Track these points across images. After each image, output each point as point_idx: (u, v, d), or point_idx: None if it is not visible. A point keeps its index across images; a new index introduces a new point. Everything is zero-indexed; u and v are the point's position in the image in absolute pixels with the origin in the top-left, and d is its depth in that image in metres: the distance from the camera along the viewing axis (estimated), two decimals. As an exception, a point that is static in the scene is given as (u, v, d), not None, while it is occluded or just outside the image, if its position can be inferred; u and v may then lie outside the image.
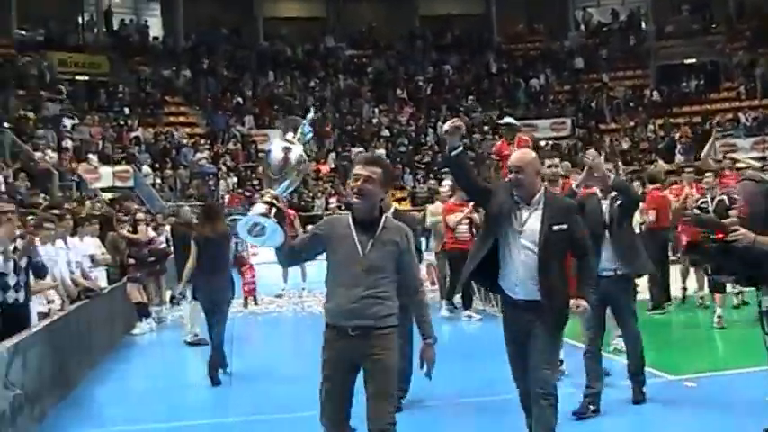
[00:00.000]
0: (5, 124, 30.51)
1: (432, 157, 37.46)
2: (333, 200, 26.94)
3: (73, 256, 12.46)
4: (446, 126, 6.45)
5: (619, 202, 8.44)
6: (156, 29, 44.37)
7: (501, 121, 15.60)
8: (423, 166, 37.02)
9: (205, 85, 40.21)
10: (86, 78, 38.08)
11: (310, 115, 5.95)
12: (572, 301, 6.26)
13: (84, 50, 39.60)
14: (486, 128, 38.47)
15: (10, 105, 32.29)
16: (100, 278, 13.86)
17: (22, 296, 9.59)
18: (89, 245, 13.61)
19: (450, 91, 42.59)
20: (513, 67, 44.29)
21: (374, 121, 40.16)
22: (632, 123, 39.58)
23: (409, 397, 8.77)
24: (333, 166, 36.56)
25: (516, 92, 42.27)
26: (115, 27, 43.01)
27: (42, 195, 24.27)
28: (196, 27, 43.49)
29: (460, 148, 6.46)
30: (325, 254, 5.72)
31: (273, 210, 5.35)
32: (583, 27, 46.67)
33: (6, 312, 9.15)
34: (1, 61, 35.72)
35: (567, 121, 40.14)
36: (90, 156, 31.85)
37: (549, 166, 8.61)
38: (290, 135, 5.61)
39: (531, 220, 6.25)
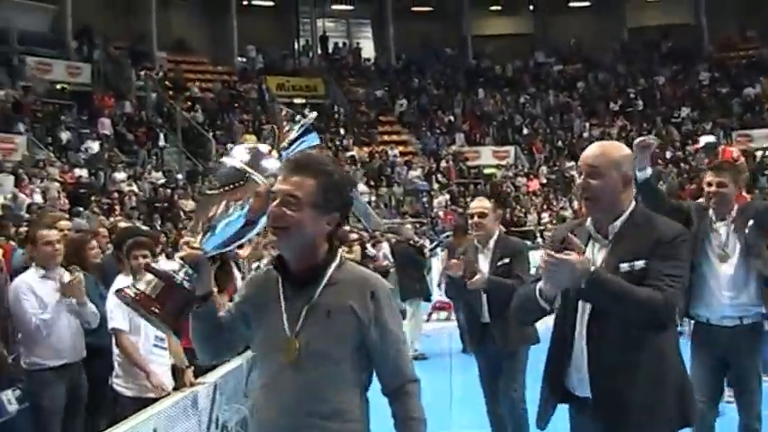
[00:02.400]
0: (230, 146, 32.07)
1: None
2: (545, 215, 26.87)
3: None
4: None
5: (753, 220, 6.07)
6: (368, 50, 45.53)
7: (698, 146, 15.02)
8: (635, 180, 36.47)
9: (417, 104, 40.94)
10: (303, 101, 39.46)
11: (311, 116, 3.79)
12: None
13: (300, 74, 41.20)
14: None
15: (234, 129, 33.89)
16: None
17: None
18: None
19: (664, 103, 41.80)
20: (726, 76, 43.06)
21: (585, 135, 39.88)
22: None
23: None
24: (544, 180, 36.58)
25: (730, 102, 41.07)
26: (329, 50, 44.42)
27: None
28: (406, 47, 44.32)
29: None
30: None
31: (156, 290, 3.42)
32: (799, 32, 44.82)
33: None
34: (224, 88, 37.51)
35: (784, 130, 38.66)
36: (310, 176, 33.04)
37: None
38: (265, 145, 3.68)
39: (600, 260, 3.96)
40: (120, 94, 32.88)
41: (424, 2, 44.64)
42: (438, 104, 41.44)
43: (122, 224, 11.11)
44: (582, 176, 3.98)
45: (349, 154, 36.22)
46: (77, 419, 7.49)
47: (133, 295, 3.41)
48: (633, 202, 4.03)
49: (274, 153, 3.62)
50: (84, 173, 25.74)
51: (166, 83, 36.32)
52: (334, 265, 3.45)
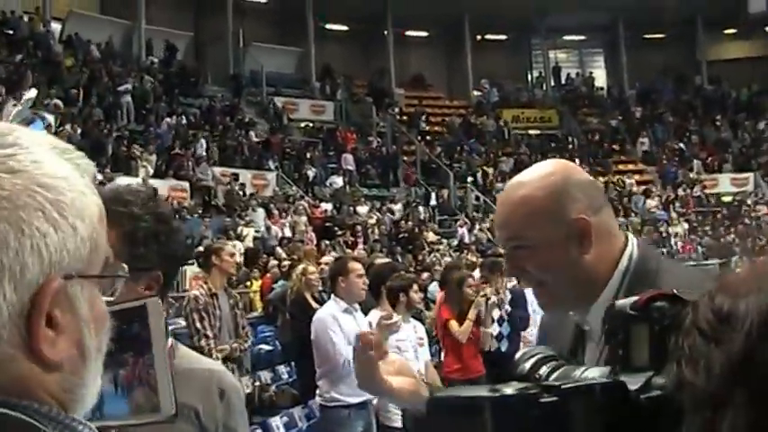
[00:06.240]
0: (469, 180, 33.04)
1: None
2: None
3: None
4: None
5: None
6: (600, 80, 45.57)
7: None
8: None
9: (652, 132, 40.53)
10: (537, 132, 39.89)
11: (28, 95, 1.95)
12: None
13: (534, 106, 41.74)
14: None
15: (471, 162, 34.73)
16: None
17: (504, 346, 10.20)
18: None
19: None
20: None
21: (831, 160, 38.39)
22: None
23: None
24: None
25: None
26: (562, 81, 44.69)
27: (503, 246, 25.98)
28: (640, 75, 43.93)
29: None
30: None
31: None
32: None
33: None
34: (460, 121, 38.52)
35: None
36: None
37: None
38: None
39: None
40: (361, 131, 34.41)
41: (657, 29, 44.12)
42: (674, 132, 40.86)
43: (379, 260, 11.70)
44: (505, 251, 2.24)
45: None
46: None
47: None
48: (626, 256, 2.15)
49: None
50: (329, 207, 27.01)
51: (404, 117, 37.65)
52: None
